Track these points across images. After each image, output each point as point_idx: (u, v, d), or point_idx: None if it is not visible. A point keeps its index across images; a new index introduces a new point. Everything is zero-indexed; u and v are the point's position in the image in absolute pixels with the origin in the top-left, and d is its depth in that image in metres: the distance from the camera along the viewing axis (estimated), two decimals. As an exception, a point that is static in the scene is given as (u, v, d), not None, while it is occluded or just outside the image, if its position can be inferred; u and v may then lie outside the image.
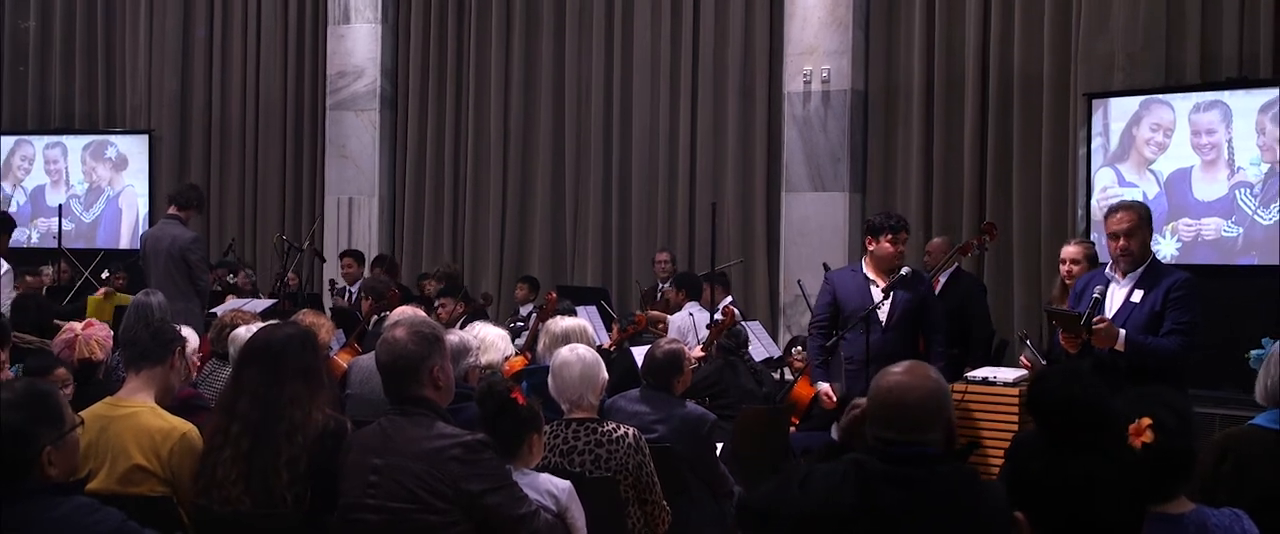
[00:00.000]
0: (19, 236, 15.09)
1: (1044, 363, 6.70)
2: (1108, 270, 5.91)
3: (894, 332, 6.74)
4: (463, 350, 5.05)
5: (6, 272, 9.19)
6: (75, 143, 15.22)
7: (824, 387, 6.80)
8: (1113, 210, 5.90)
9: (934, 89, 11.12)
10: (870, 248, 6.89)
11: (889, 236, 6.80)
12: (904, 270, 6.81)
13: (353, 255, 12.13)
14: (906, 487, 2.89)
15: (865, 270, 6.89)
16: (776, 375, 8.98)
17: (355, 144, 13.81)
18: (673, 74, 12.49)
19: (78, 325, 5.58)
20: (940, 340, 6.93)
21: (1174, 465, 3.10)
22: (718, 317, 8.39)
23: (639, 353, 6.75)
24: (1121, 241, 5.78)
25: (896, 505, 2.88)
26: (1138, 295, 5.75)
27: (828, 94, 11.32)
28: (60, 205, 13.95)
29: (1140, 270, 5.80)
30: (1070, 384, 2.51)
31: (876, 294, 6.75)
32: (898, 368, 3.10)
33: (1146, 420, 3.04)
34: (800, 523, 2.95)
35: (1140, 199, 8.84)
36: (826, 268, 10.10)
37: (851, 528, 2.90)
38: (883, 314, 6.73)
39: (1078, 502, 2.21)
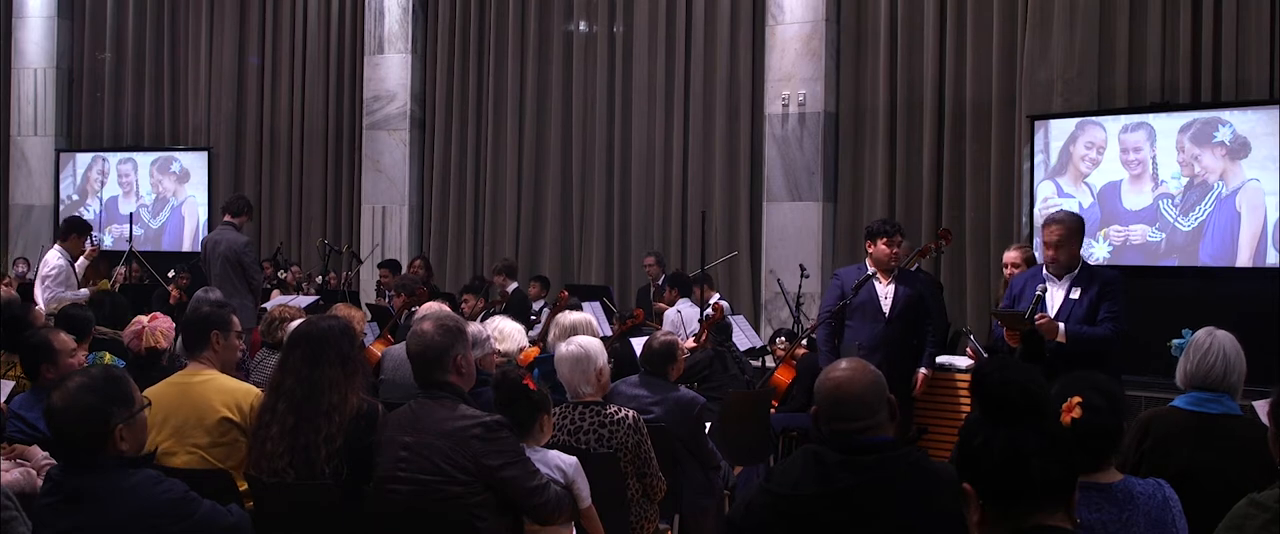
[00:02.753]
0: (89, 241, 15.13)
1: (985, 354, 6.75)
2: (1044, 271, 5.99)
3: (897, 322, 6.76)
4: (481, 340, 5.06)
5: (56, 269, 9.23)
6: (144, 158, 15.23)
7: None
8: (1047, 222, 6.04)
9: (897, 111, 11.12)
10: (869, 250, 6.91)
11: (884, 240, 6.82)
12: (895, 270, 6.82)
13: (388, 265, 12.12)
14: (860, 472, 2.89)
15: (870, 269, 6.91)
16: (757, 363, 9.00)
17: (388, 159, 13.80)
18: (667, 97, 12.49)
19: (144, 318, 5.58)
20: (932, 339, 6.94)
21: (1101, 438, 3.12)
22: (708, 312, 8.40)
23: (638, 344, 6.75)
24: (1051, 251, 5.94)
25: (853, 489, 2.88)
26: (1076, 293, 5.89)
27: (804, 116, 11.32)
28: (131, 213, 13.97)
29: (1076, 272, 5.94)
30: (1005, 371, 2.52)
31: (880, 288, 6.78)
32: (839, 365, 3.09)
33: (1077, 399, 3.07)
34: (771, 512, 2.96)
35: (1076, 209, 8.86)
36: (803, 268, 10.17)
37: (813, 512, 2.90)
38: (886, 307, 6.75)
39: (1011, 470, 2.23)
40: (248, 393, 4.21)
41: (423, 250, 13.65)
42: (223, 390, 4.21)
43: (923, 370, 6.80)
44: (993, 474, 2.25)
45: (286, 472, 3.85)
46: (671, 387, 5.52)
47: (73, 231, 9.63)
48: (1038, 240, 7.07)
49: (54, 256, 9.48)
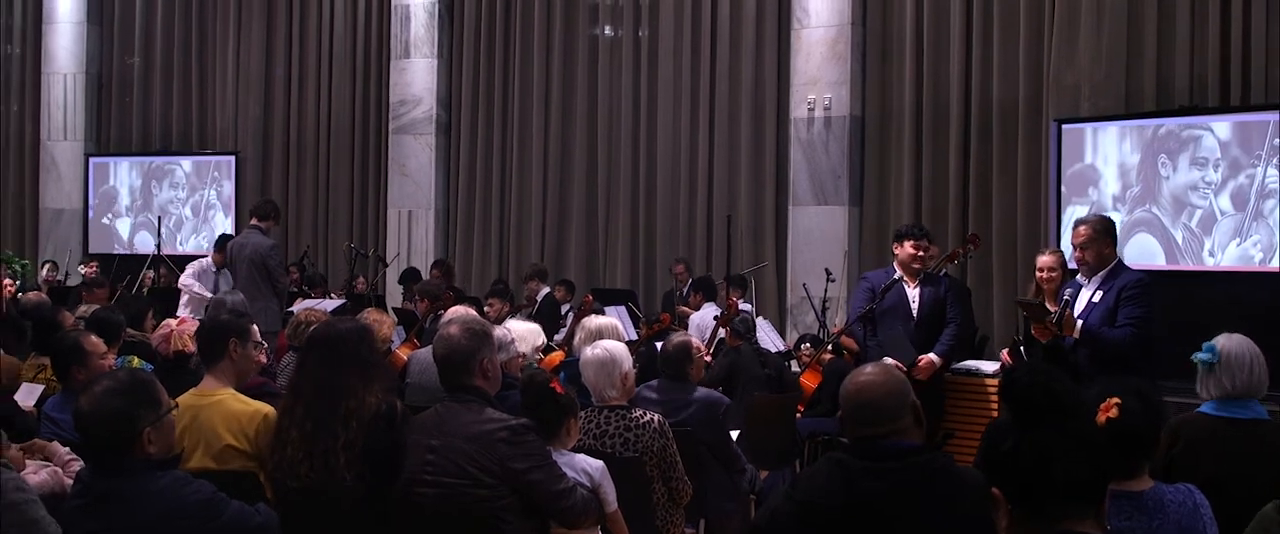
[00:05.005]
0: (121, 244, 15.26)
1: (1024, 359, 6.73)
2: (1079, 277, 6.00)
3: (925, 325, 6.82)
4: (506, 344, 5.07)
5: (198, 265, 9.46)
6: (172, 162, 15.32)
7: (887, 363, 6.71)
8: (1075, 225, 6.07)
9: (923, 115, 11.09)
10: (896, 251, 6.94)
11: (912, 241, 6.88)
12: (922, 274, 6.85)
13: (409, 275, 12.13)
14: (885, 478, 2.88)
15: (896, 272, 6.93)
16: (786, 364, 8.97)
17: (414, 164, 13.84)
18: (693, 101, 12.50)
19: (173, 322, 5.62)
20: (952, 331, 6.94)
21: (1133, 441, 3.11)
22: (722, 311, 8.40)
23: (663, 349, 6.75)
24: (1078, 253, 5.95)
25: (878, 496, 2.86)
26: (1099, 295, 5.88)
27: (829, 119, 11.30)
28: (159, 217, 14.05)
29: (1104, 273, 5.90)
30: (1035, 374, 2.51)
31: (909, 292, 6.82)
32: (863, 370, 3.08)
33: (1115, 400, 3.07)
34: (796, 520, 2.95)
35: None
36: (828, 273, 10.15)
37: (839, 520, 2.89)
38: (915, 310, 6.78)
39: (1037, 472, 2.22)
40: (255, 416, 4.11)
41: (448, 254, 13.68)
42: (229, 416, 4.12)
43: (932, 356, 6.78)
44: (1019, 477, 2.24)
45: (308, 476, 3.81)
46: (692, 388, 5.52)
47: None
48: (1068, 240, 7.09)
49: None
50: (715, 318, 8.29)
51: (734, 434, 5.72)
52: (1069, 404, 2.47)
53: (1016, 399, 2.46)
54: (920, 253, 6.85)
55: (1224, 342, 3.98)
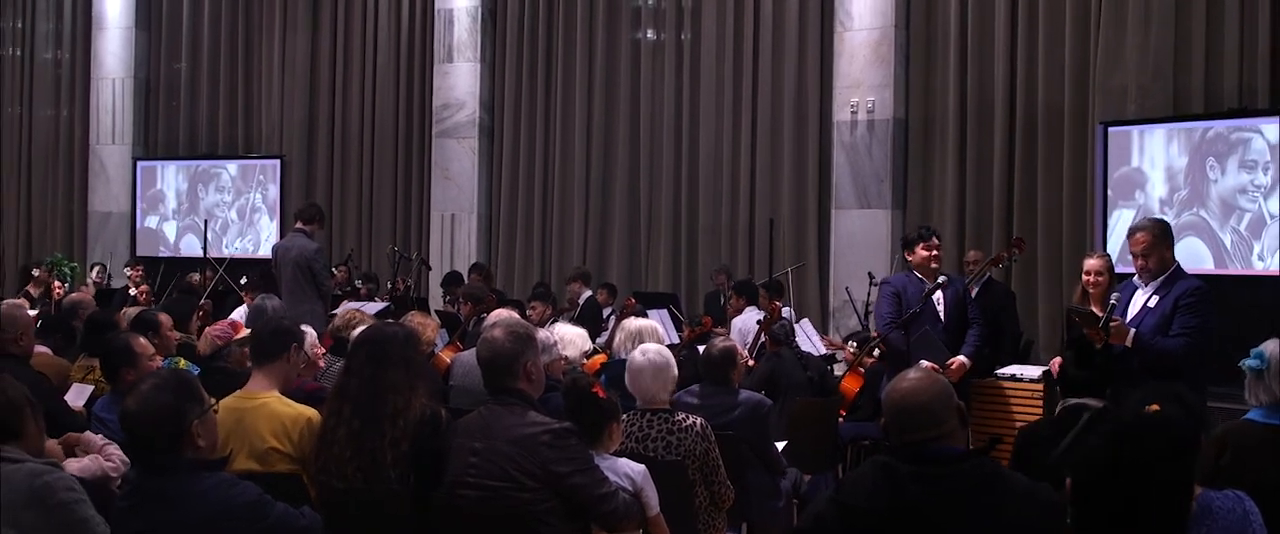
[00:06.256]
0: (167, 246, 15.43)
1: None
2: (1135, 279, 5.87)
3: (951, 328, 6.84)
4: (549, 347, 5.08)
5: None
6: (218, 166, 15.48)
7: (924, 365, 6.69)
8: (1133, 230, 5.88)
9: (967, 118, 11.04)
10: (909, 259, 6.93)
11: (922, 245, 6.88)
12: (940, 279, 6.84)
13: (451, 279, 12.17)
14: (932, 483, 2.86)
15: (917, 275, 6.94)
16: (829, 367, 8.94)
17: (457, 167, 13.91)
18: (735, 104, 12.48)
19: (224, 323, 5.72)
20: (976, 332, 6.93)
21: None
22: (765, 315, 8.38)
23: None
24: (1140, 261, 5.75)
25: (924, 501, 2.85)
26: (1154, 301, 5.70)
27: (872, 122, 11.26)
28: (205, 221, 14.19)
29: (1162, 278, 5.73)
30: (1144, 427, 2.46)
31: (934, 293, 6.81)
32: (907, 375, 3.07)
33: (1155, 406, 3.03)
34: (841, 524, 2.94)
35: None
36: (871, 276, 10.09)
37: (884, 524, 2.88)
38: (941, 312, 6.79)
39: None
40: (299, 419, 4.14)
41: (490, 258, 13.74)
42: (273, 419, 4.15)
43: (962, 358, 6.76)
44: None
45: (354, 476, 3.84)
46: (736, 392, 5.52)
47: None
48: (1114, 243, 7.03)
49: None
50: (758, 323, 8.27)
51: (780, 445, 5.72)
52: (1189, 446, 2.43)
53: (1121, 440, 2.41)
54: (935, 253, 6.89)
55: (1273, 347, 3.93)
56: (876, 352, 7.51)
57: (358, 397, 3.93)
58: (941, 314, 6.82)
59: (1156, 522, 2.19)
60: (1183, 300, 5.62)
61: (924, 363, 6.47)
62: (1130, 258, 5.90)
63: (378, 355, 3.98)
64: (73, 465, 3.87)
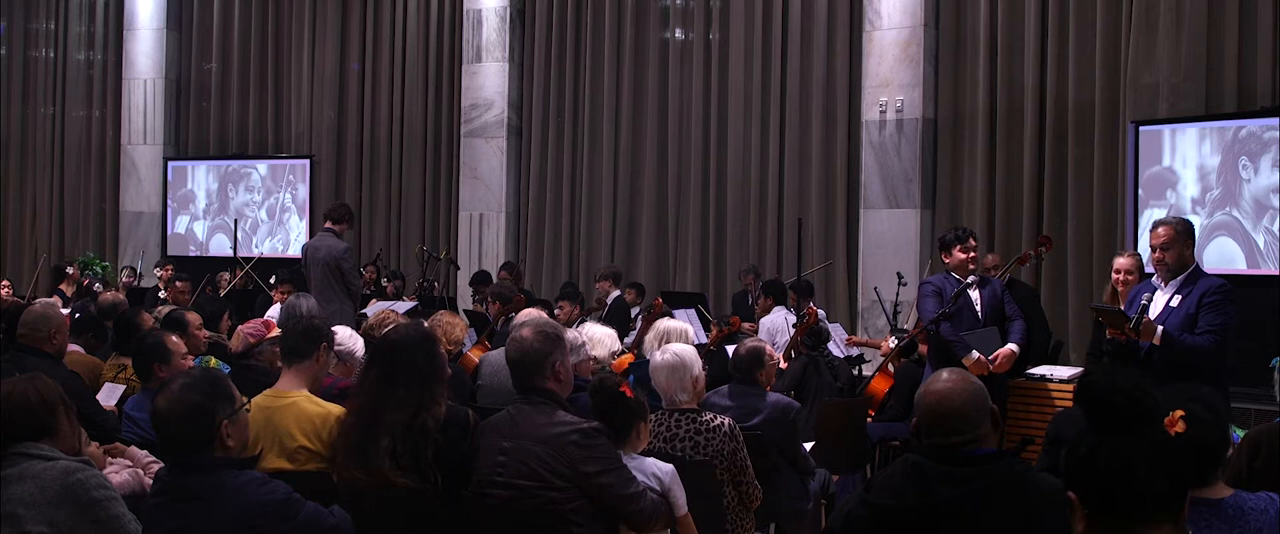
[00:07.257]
0: (197, 246, 15.53)
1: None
2: (1154, 279, 5.87)
3: (988, 324, 6.79)
4: (577, 347, 5.08)
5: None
6: (248, 166, 15.59)
7: (975, 356, 6.67)
8: (1155, 226, 5.90)
9: (996, 117, 10.99)
10: (945, 261, 6.89)
11: (959, 247, 6.84)
12: (970, 278, 6.81)
13: (480, 278, 12.20)
14: (962, 484, 2.85)
15: (954, 276, 6.92)
16: (855, 372, 8.93)
17: (485, 167, 13.95)
18: (764, 104, 12.47)
19: (257, 322, 5.75)
20: (1020, 324, 6.87)
21: (1206, 452, 3.04)
22: (804, 316, 8.35)
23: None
24: (1158, 254, 5.78)
25: (955, 502, 2.84)
26: (1177, 300, 5.72)
27: (901, 122, 11.22)
28: (235, 220, 14.28)
29: (1182, 277, 5.75)
30: (1112, 377, 2.46)
31: (971, 293, 6.81)
32: (940, 377, 3.05)
33: (1179, 412, 3.00)
34: (871, 522, 2.93)
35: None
36: (900, 277, 10.06)
37: (914, 523, 2.87)
38: (979, 310, 6.77)
39: (1120, 479, 2.18)
40: (328, 418, 4.14)
41: (519, 257, 13.77)
42: (303, 418, 4.17)
43: (1011, 346, 6.71)
44: (1099, 484, 2.21)
45: (357, 478, 3.79)
46: (764, 393, 5.51)
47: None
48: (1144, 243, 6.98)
49: None
50: (793, 325, 8.26)
51: (808, 446, 5.70)
52: (1149, 409, 2.43)
53: (1092, 402, 2.42)
54: (971, 255, 6.84)
55: None
56: (919, 348, 7.47)
57: (364, 405, 3.89)
58: (979, 311, 6.80)
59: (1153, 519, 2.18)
60: (1207, 298, 5.65)
61: (976, 354, 6.47)
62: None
63: (389, 365, 3.90)
64: (113, 476, 3.89)
